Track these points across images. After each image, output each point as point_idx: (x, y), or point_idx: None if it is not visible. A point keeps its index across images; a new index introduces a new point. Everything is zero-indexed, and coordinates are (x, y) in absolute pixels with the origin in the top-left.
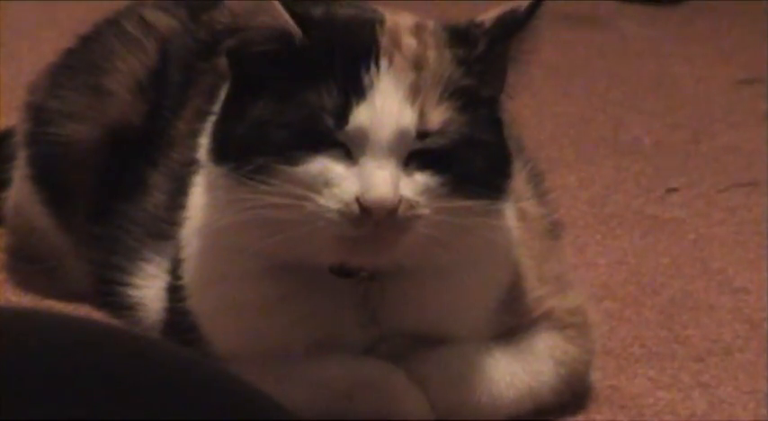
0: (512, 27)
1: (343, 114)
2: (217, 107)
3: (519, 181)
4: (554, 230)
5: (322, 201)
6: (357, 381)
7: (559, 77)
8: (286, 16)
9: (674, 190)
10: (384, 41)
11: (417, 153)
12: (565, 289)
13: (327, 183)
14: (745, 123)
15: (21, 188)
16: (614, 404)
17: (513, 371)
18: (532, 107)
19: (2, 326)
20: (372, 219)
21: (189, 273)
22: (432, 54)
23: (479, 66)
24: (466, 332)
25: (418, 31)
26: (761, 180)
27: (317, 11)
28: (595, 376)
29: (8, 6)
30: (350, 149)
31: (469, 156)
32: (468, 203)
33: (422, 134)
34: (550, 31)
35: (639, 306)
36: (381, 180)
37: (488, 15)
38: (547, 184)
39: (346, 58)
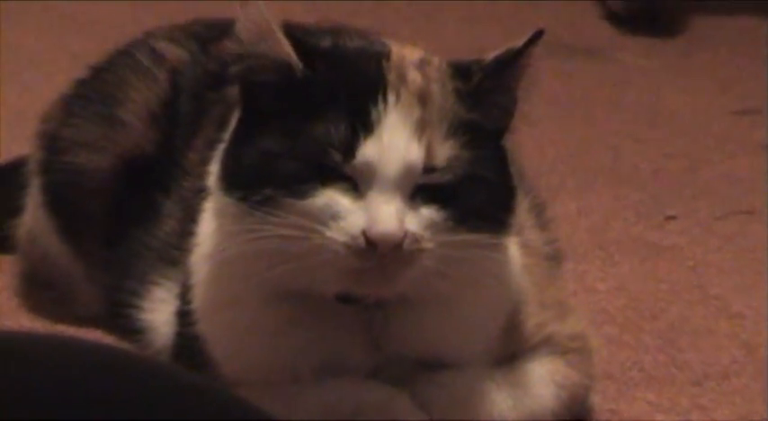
0: (507, 61)
1: (350, 148)
2: (226, 135)
3: (521, 210)
4: (555, 257)
5: (329, 233)
6: (362, 405)
7: (559, 107)
8: (288, 47)
9: (673, 217)
10: (391, 76)
11: (423, 187)
12: (565, 314)
13: (334, 217)
14: (742, 153)
15: (34, 215)
16: None
17: (515, 396)
18: (533, 136)
19: (16, 351)
20: (378, 252)
21: (198, 298)
22: (435, 88)
23: (480, 100)
24: (468, 357)
25: (423, 65)
26: (757, 208)
27: (326, 42)
28: (595, 400)
29: (22, 36)
30: (357, 183)
31: (474, 192)
32: (472, 237)
33: (428, 169)
34: (551, 62)
35: (638, 331)
36: (387, 215)
37: (492, 53)
38: (548, 213)
39: (353, 91)
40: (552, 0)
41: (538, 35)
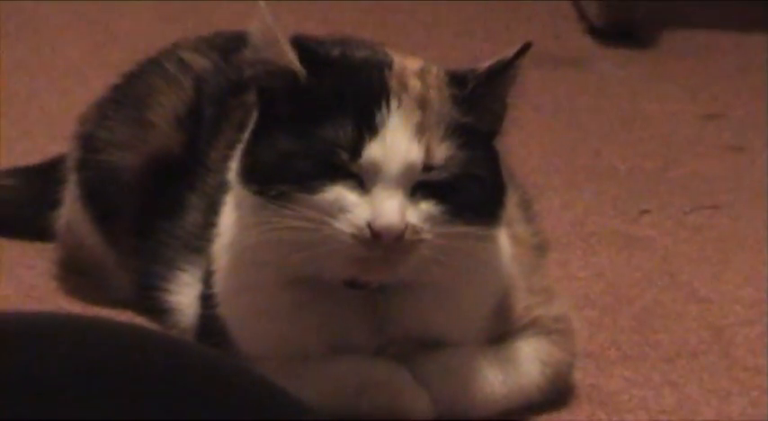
0: (498, 70)
1: (357, 149)
2: (246, 135)
3: (510, 205)
4: (541, 248)
5: (337, 225)
6: (366, 380)
7: (545, 113)
8: (291, 55)
9: (646, 212)
10: (393, 83)
11: (422, 184)
12: (550, 299)
13: (342, 210)
14: (709, 153)
15: (72, 208)
16: (594, 401)
17: (505, 372)
18: (521, 138)
19: (56, 331)
20: (382, 242)
21: (219, 283)
22: (434, 95)
23: (474, 105)
24: (463, 337)
25: (422, 73)
26: (723, 203)
27: (335, 52)
28: (577, 376)
29: (61, 47)
30: (362, 180)
31: (468, 188)
32: (466, 229)
33: (427, 168)
34: (537, 71)
35: (615, 314)
36: (390, 208)
37: (485, 63)
38: (534, 207)
39: (359, 97)
40: (539, 16)
41: (526, 47)
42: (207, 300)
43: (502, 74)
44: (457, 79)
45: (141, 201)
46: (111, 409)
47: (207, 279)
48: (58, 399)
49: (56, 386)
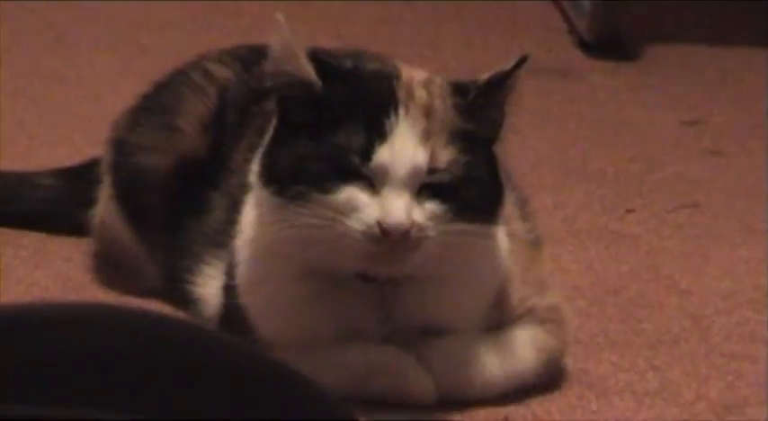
0: (498, 81)
1: (367, 153)
2: (266, 140)
3: (507, 204)
4: (535, 243)
5: (349, 223)
6: (375, 365)
7: (539, 119)
8: (308, 67)
9: (632, 210)
10: (401, 93)
11: (427, 186)
12: (544, 290)
13: (354, 209)
14: (689, 157)
15: (105, 206)
16: (583, 384)
17: (503, 357)
18: (517, 143)
19: (91, 319)
20: (390, 239)
21: (241, 275)
22: (438, 104)
23: (475, 113)
24: (464, 326)
25: (428, 84)
26: (702, 202)
27: (347, 64)
28: (568, 361)
29: (96, 58)
30: (372, 181)
31: (469, 189)
32: (467, 227)
33: (432, 170)
34: (532, 82)
35: (603, 304)
36: (398, 208)
37: (485, 75)
38: (529, 206)
39: (370, 105)
40: (533, 31)
41: (523, 60)
42: (229, 291)
43: (501, 84)
44: (459, 89)
45: (169, 200)
46: (146, 389)
47: (230, 272)
48: (95, 381)
49: (92, 368)
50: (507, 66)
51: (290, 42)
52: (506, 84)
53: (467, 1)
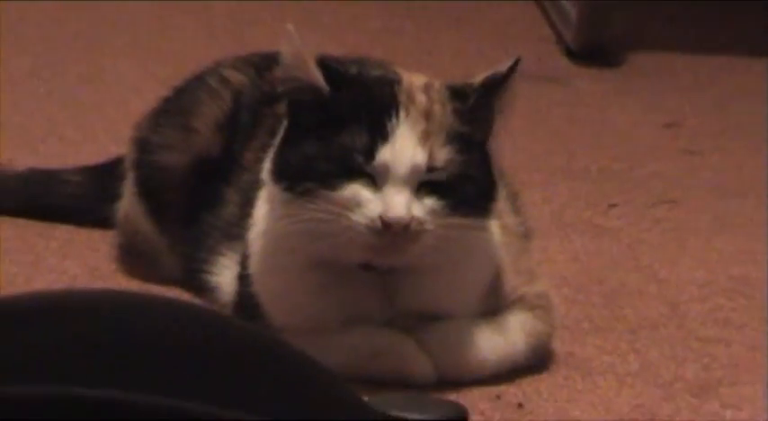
0: (494, 85)
1: (370, 152)
2: (277, 140)
3: (500, 199)
4: (525, 235)
5: (353, 217)
6: (377, 348)
7: (529, 122)
8: (317, 73)
9: (614, 205)
10: (402, 97)
11: (426, 183)
12: (533, 279)
13: (358, 204)
14: (667, 156)
15: (129, 201)
16: (570, 365)
17: (495, 341)
18: (509, 143)
19: (115, 305)
20: (391, 232)
21: (254, 265)
22: (437, 107)
23: (471, 116)
24: (460, 312)
25: (427, 88)
26: (678, 198)
27: (352, 70)
28: (555, 344)
29: (120, 65)
30: (375, 179)
31: (465, 186)
32: (463, 221)
33: (430, 169)
34: (522, 86)
35: (588, 292)
36: (399, 203)
37: (479, 77)
38: (520, 201)
39: (373, 108)
40: (523, 40)
41: (517, 62)
42: (243, 279)
43: (497, 87)
44: (457, 93)
45: (187, 195)
46: (168, 370)
47: (243, 262)
48: (120, 364)
49: (117, 351)
50: (502, 68)
51: (300, 50)
52: (502, 86)
53: (461, 13)
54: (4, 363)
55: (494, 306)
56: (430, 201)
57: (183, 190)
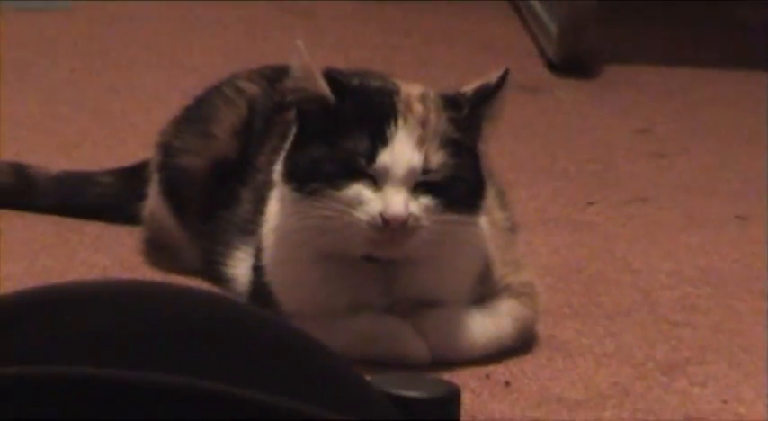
0: (485, 95)
1: (372, 156)
2: (287, 144)
3: (489, 197)
4: (512, 230)
5: (356, 214)
6: (378, 332)
7: (515, 128)
8: (323, 85)
9: (592, 203)
10: (400, 106)
11: (422, 183)
12: (519, 269)
13: (360, 203)
14: (639, 158)
15: (154, 200)
16: (552, 347)
17: (485, 325)
18: (497, 147)
19: (143, 293)
20: (390, 227)
21: (266, 258)
22: (432, 115)
23: (463, 123)
24: (452, 299)
25: (423, 98)
26: (649, 196)
27: (355, 81)
28: (539, 328)
29: (145, 77)
30: (376, 180)
31: (457, 186)
32: (455, 217)
33: (425, 171)
34: (509, 96)
35: (568, 281)
36: (397, 202)
37: (470, 86)
38: (507, 198)
39: (374, 116)
40: (509, 54)
41: (506, 74)
42: (257, 271)
43: (487, 97)
44: (450, 102)
45: (206, 194)
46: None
47: (257, 255)
48: (150, 348)
49: (145, 335)
50: (491, 79)
51: (308, 64)
52: (493, 95)
53: (454, 30)
54: (44, 347)
55: (483, 293)
56: (425, 200)
57: (202, 190)
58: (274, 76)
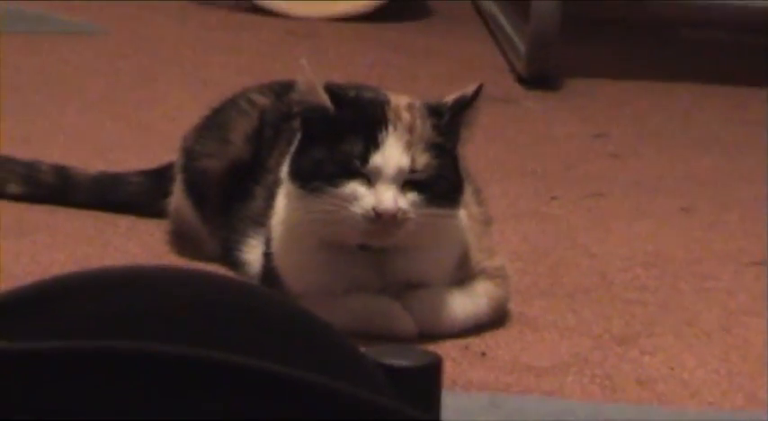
0: (463, 105)
1: (366, 158)
2: (293, 148)
3: (466, 193)
4: (487, 222)
5: (352, 209)
6: (372, 310)
7: (489, 133)
8: (325, 97)
9: (555, 198)
10: (390, 115)
11: (409, 181)
12: (493, 256)
13: (356, 199)
14: (597, 159)
15: (178, 197)
16: (522, 322)
17: (464, 303)
18: (474, 150)
19: (169, 276)
20: (382, 220)
21: (275, 246)
22: (418, 122)
23: (444, 129)
24: (436, 281)
25: (410, 107)
26: (605, 192)
27: (352, 93)
28: (511, 306)
29: (170, 91)
30: (369, 179)
31: (439, 184)
32: (438, 211)
33: (412, 170)
34: (483, 106)
35: (535, 265)
36: (388, 198)
37: (450, 97)
38: (482, 194)
39: (367, 124)
40: (483, 69)
41: (480, 87)
42: (267, 257)
43: (464, 106)
44: (433, 110)
45: (224, 192)
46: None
47: (267, 243)
48: (173, 327)
49: (172, 316)
50: (468, 91)
51: (311, 79)
52: (469, 105)
53: (437, 49)
54: (87, 323)
55: (462, 276)
56: (412, 196)
57: (220, 188)
58: (282, 89)
